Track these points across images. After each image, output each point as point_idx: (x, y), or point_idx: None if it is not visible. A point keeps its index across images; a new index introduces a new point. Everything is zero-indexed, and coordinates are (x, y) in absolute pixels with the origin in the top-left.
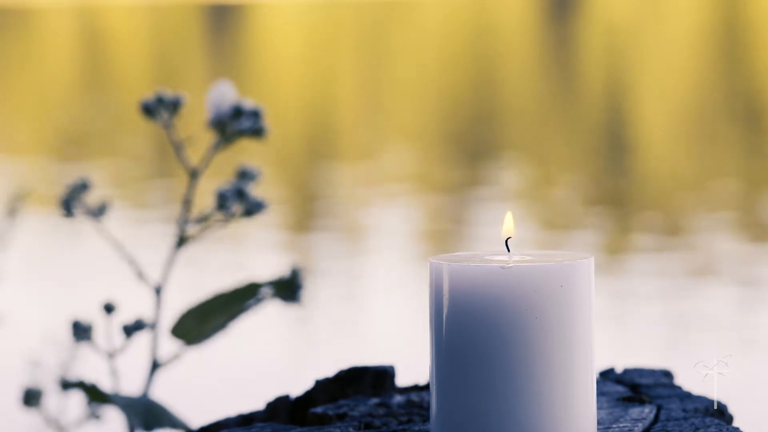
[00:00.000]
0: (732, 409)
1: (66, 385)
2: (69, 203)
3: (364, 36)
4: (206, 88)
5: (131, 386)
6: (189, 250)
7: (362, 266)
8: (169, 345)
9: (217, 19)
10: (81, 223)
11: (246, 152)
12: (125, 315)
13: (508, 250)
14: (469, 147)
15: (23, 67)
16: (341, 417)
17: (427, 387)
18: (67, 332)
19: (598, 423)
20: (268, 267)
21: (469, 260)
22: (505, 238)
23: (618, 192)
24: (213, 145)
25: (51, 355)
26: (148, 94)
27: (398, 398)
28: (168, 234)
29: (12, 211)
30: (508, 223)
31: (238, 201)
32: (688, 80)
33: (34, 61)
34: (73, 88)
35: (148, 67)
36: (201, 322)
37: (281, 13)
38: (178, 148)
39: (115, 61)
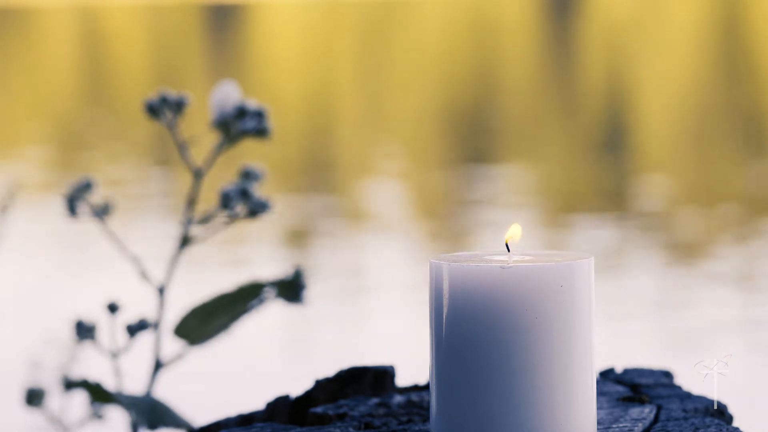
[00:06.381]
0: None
1: (69, 384)
2: (73, 203)
3: (364, 36)
4: (206, 88)
5: (134, 386)
6: (193, 250)
7: (362, 266)
8: (172, 345)
9: (217, 19)
10: (85, 222)
11: (246, 153)
12: (129, 315)
13: (508, 250)
14: (470, 146)
15: (23, 67)
16: (341, 417)
17: (427, 387)
18: (70, 332)
19: (598, 423)
20: (271, 267)
21: (469, 260)
22: (506, 241)
23: (617, 191)
24: (217, 145)
25: (54, 355)
26: (152, 94)
27: (398, 398)
28: (171, 234)
29: (3, 209)
30: (514, 231)
31: (242, 201)
32: (688, 78)
33: (34, 61)
34: (74, 88)
35: (149, 67)
36: (204, 322)
37: (281, 12)
38: (181, 148)
39: (115, 61)
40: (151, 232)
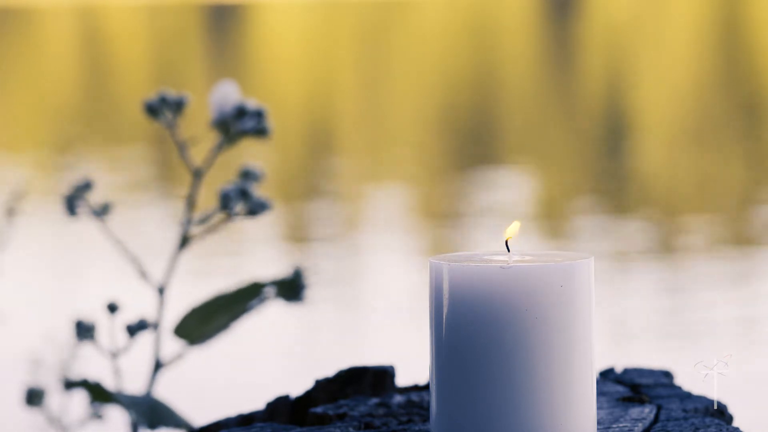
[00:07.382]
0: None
1: (69, 384)
2: (72, 203)
3: (364, 36)
4: (206, 88)
5: (134, 386)
6: (192, 250)
7: (362, 266)
8: (172, 345)
9: (217, 19)
10: (84, 222)
11: (247, 152)
12: (128, 315)
13: (508, 250)
14: (470, 147)
15: (23, 68)
16: (341, 417)
17: (427, 387)
18: (70, 331)
19: (598, 423)
20: (271, 267)
21: (469, 260)
22: (505, 239)
23: (617, 191)
24: (216, 145)
25: (54, 355)
26: (152, 94)
27: (398, 398)
28: (171, 234)
29: (10, 211)
30: (513, 229)
31: (242, 201)
32: (688, 78)
33: (34, 61)
34: (74, 88)
35: (149, 67)
36: (204, 322)
37: (281, 13)
38: (181, 147)
39: (115, 61)
40: (150, 231)
